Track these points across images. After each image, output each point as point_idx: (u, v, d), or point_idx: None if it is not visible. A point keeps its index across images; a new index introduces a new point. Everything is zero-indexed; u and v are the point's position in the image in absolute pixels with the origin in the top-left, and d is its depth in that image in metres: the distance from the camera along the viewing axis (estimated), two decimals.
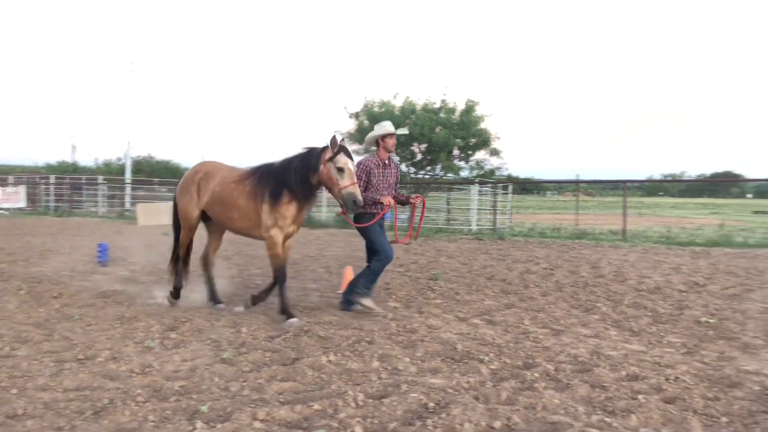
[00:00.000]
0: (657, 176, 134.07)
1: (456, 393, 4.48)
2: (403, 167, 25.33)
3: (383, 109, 23.75)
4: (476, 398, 4.39)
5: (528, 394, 4.47)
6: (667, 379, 4.83)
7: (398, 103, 24.30)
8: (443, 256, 13.74)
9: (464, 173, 25.92)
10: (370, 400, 4.31)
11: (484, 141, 23.71)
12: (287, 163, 6.94)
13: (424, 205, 7.83)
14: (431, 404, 4.25)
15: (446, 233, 21.20)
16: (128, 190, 34.74)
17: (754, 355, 5.72)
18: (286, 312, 6.79)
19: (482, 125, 23.62)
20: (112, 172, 58.18)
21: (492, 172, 26.01)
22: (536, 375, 4.93)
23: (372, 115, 23.72)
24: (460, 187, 27.75)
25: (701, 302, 8.26)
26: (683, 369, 5.16)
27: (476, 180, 26.05)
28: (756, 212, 43.09)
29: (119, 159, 67.08)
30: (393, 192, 7.68)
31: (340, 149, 6.68)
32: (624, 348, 5.94)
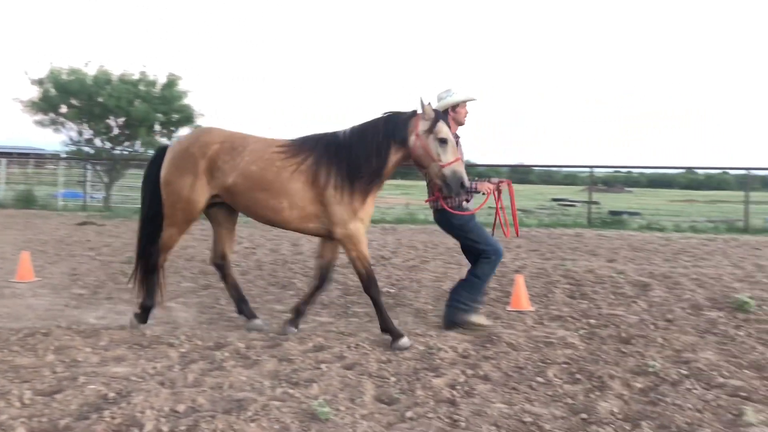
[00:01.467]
0: None
1: (140, 380, 4.31)
2: (98, 142, 23.45)
3: (73, 77, 21.64)
4: (162, 383, 4.26)
5: (216, 373, 4.48)
6: (348, 347, 5.21)
7: (91, 71, 22.34)
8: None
9: None
10: (40, 397, 3.93)
11: (187, 117, 23.00)
12: (361, 134, 5.44)
13: (512, 190, 6.17)
14: (111, 394, 4.02)
15: None
16: None
17: (423, 318, 6.44)
18: (391, 331, 5.40)
19: (186, 101, 22.87)
20: None
21: None
22: (226, 354, 4.95)
23: (59, 84, 21.49)
24: None
25: (385, 274, 9.07)
26: (363, 336, 5.61)
27: None
28: None
29: None
30: None
31: (439, 116, 5.33)
32: (314, 320, 6.26)
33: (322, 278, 5.81)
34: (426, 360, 4.93)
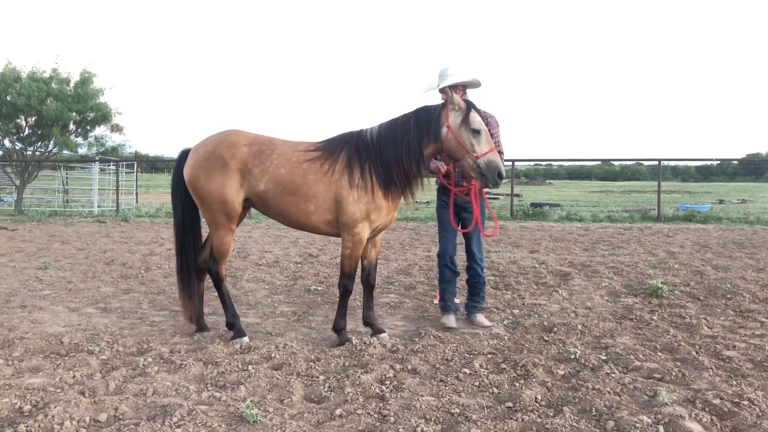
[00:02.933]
0: None
1: (58, 390, 4.13)
2: (8, 143, 22.33)
3: None
4: (82, 393, 4.10)
5: (139, 380, 4.34)
6: (276, 347, 5.15)
7: None
8: (57, 242, 12.53)
9: (83, 150, 23.96)
10: None
11: (104, 116, 22.16)
12: (391, 133, 5.21)
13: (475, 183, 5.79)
14: (27, 407, 3.85)
15: (63, 216, 19.41)
16: None
17: (351, 315, 6.41)
18: (339, 332, 5.38)
19: (102, 99, 22.02)
20: None
21: (115, 149, 24.59)
22: (149, 360, 4.80)
23: None
24: (80, 165, 25.63)
25: (313, 272, 9.03)
26: (292, 336, 5.57)
27: (97, 158, 24.36)
28: None
29: None
30: None
31: (470, 106, 5.13)
32: (242, 322, 6.14)
33: (367, 277, 5.61)
34: (355, 356, 4.93)
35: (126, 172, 25.62)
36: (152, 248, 11.60)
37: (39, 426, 3.53)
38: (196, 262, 5.67)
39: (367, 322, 5.64)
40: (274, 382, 4.35)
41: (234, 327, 5.51)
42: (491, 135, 5.48)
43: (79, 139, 23.15)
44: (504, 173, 5.13)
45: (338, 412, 3.81)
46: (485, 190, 5.95)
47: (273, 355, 4.95)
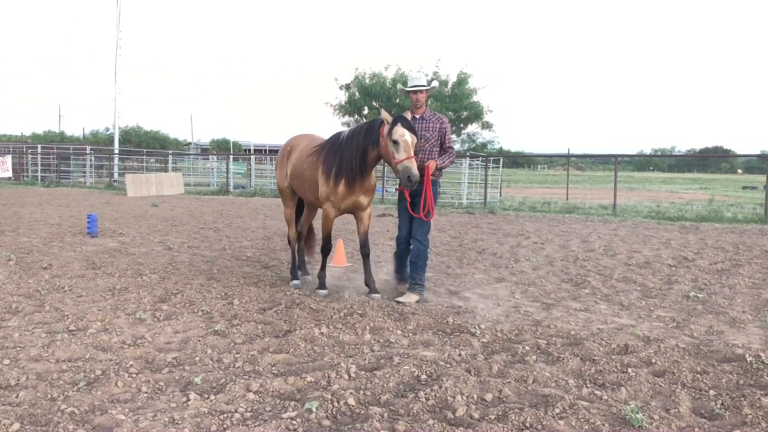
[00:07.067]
0: (647, 151, 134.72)
1: (448, 365, 4.51)
2: None
3: (374, 81, 23.58)
4: (468, 371, 4.42)
5: (519, 367, 4.51)
6: (656, 353, 4.88)
7: (390, 74, 24.15)
8: (434, 230, 13.74)
9: (456, 147, 25.95)
10: (363, 372, 4.33)
11: (476, 114, 23.68)
12: (351, 136, 6.69)
13: (428, 173, 6.56)
14: (423, 376, 4.28)
15: (437, 207, 21.26)
16: (116, 160, 34.51)
17: (741, 329, 5.78)
18: (320, 282, 7.07)
19: (475, 98, 23.52)
20: (99, 141, 57.76)
21: (484, 145, 26.07)
22: (527, 348, 4.96)
23: (363, 87, 23.57)
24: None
25: (690, 277, 8.34)
26: (672, 343, 5.20)
27: (467, 153, 26.09)
28: (745, 188, 43.39)
29: (107, 129, 66.32)
30: (434, 151, 6.76)
31: (396, 120, 6.27)
32: (614, 322, 5.98)
33: (361, 248, 7.00)
34: (751, 375, 4.40)
35: (492, 167, 26.95)
36: (519, 240, 11.99)
37: (435, 395, 3.91)
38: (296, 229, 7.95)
39: (366, 283, 6.99)
40: (656, 389, 4.12)
41: (292, 274, 7.64)
42: (421, 135, 6.60)
43: (453, 137, 25.10)
44: (414, 177, 6.08)
45: None
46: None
47: (653, 360, 4.70)
